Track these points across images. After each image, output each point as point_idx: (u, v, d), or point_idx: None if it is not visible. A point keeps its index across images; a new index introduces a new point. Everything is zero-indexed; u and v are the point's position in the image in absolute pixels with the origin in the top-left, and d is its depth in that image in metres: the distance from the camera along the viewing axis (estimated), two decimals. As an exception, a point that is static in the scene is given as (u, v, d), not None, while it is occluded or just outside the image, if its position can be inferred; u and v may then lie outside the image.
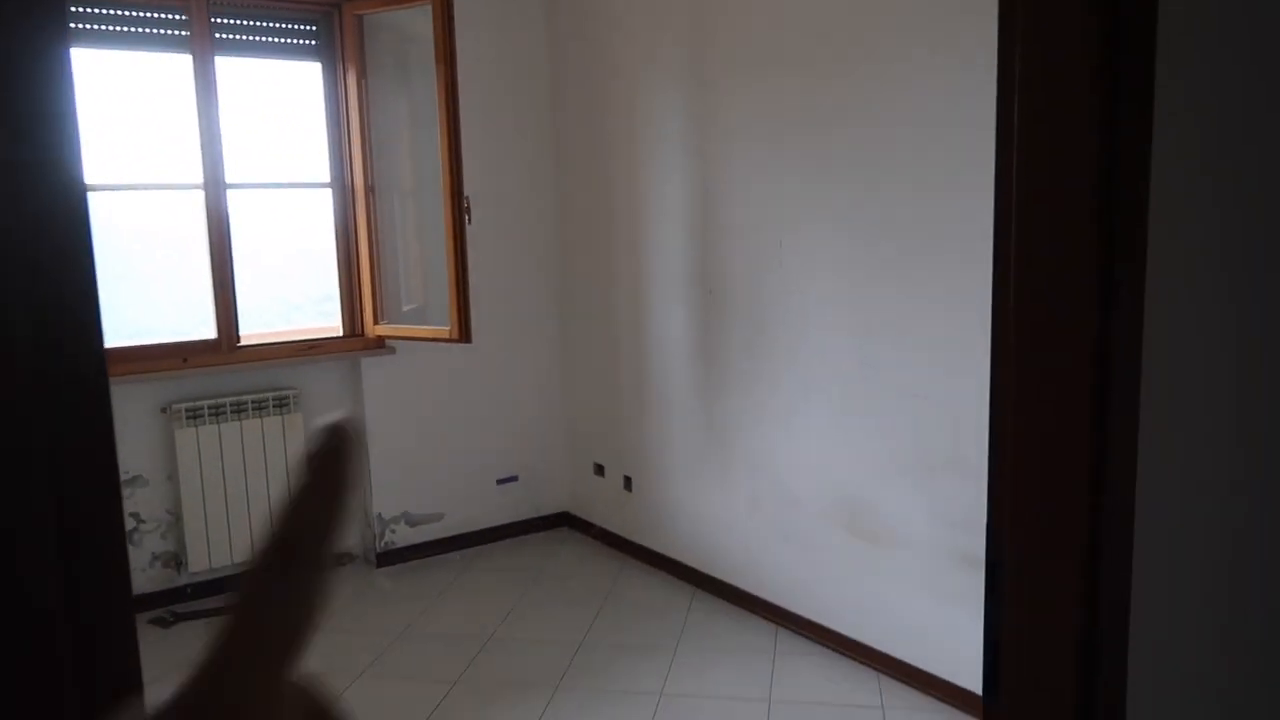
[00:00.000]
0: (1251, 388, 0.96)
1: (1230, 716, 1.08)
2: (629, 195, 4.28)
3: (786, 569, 3.64)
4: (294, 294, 4.77)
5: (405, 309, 4.65)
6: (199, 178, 3.96)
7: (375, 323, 4.36)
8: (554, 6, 4.63)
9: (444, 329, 4.04)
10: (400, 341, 4.38)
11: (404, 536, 4.45)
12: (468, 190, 4.01)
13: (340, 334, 4.39)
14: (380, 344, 4.38)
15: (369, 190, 4.35)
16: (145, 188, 4.12)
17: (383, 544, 4.39)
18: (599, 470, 4.68)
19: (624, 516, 4.52)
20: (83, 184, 0.81)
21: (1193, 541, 0.99)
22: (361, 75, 4.29)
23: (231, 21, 4.09)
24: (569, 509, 4.92)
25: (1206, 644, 1.00)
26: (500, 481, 4.72)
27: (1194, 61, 0.86)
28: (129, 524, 3.83)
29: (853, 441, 3.31)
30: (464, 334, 3.95)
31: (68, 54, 0.78)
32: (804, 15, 3.35)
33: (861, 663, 3.32)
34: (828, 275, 3.36)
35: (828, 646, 3.45)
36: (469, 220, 4.04)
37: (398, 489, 4.41)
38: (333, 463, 0.30)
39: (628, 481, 4.47)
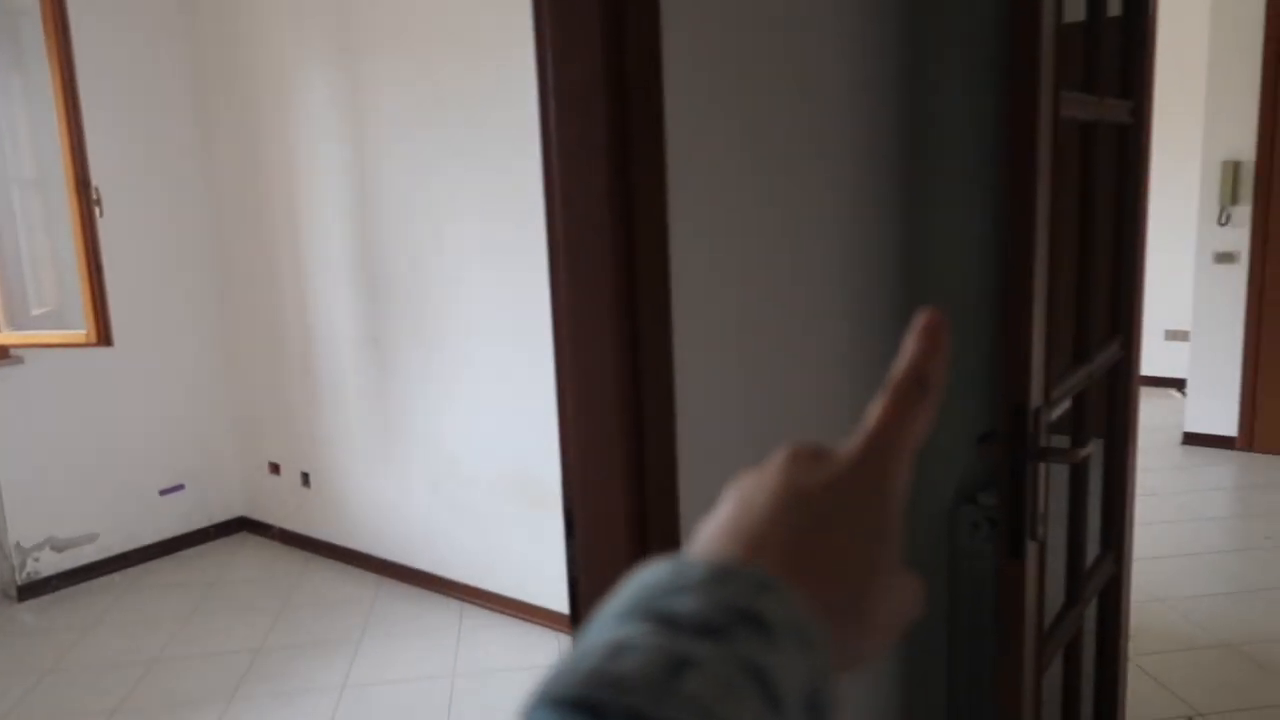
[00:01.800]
0: (751, 334, 1.15)
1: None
2: (286, 184, 4.13)
3: (467, 546, 3.72)
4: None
5: (35, 313, 4.18)
6: None
7: (-5, 330, 3.89)
8: (186, -19, 4.33)
9: (80, 333, 3.68)
10: (31, 350, 3.94)
11: (50, 564, 4.03)
12: (97, 179, 3.67)
13: (-52, 345, 3.88)
14: (4, 354, 3.92)
15: (-31, 182, 3.86)
16: None
17: (24, 575, 3.95)
18: (274, 469, 4.49)
19: (304, 514, 4.39)
20: None
21: (719, 489, 1.18)
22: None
23: None
24: (244, 513, 4.68)
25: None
26: (164, 492, 4.40)
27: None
28: None
29: (519, 417, 3.44)
30: (103, 337, 3.63)
31: None
32: (449, 8, 3.39)
33: (543, 625, 3.48)
34: (486, 259, 3.45)
35: (511, 615, 3.58)
36: (100, 213, 3.71)
37: (39, 513, 3.99)
38: (939, 334, 0.42)
39: (305, 477, 4.34)
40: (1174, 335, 6.70)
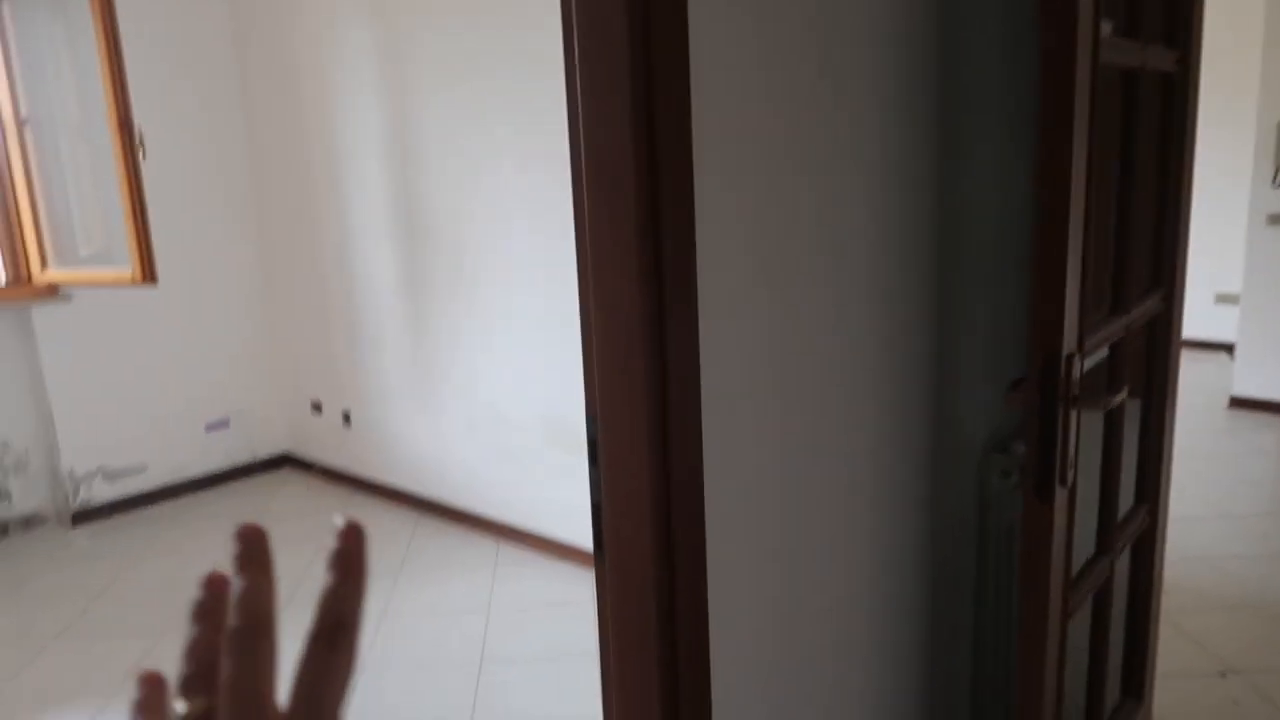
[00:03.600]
0: (778, 297, 1.16)
1: (779, 537, 1.31)
2: (325, 129, 4.16)
3: (503, 485, 3.79)
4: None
5: (84, 253, 4.28)
6: None
7: (44, 269, 3.99)
8: (232, -79, 4.34)
9: (125, 272, 3.77)
10: (80, 289, 4.04)
11: (102, 493, 4.18)
12: (139, 121, 3.73)
13: (-1, 283, 3.99)
14: (53, 292, 4.03)
15: (20, 123, 3.94)
16: None
17: (78, 502, 4.10)
18: (316, 408, 4.59)
19: (345, 451, 4.49)
20: None
21: (742, 424, 1.19)
22: (2, -6, 3.84)
23: None
24: (288, 450, 4.80)
25: (762, 500, 1.21)
26: (210, 428, 4.52)
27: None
28: None
29: (554, 362, 3.48)
30: (147, 275, 3.71)
31: None
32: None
33: (576, 564, 3.54)
34: (523, 209, 3.46)
35: (545, 554, 3.65)
36: (143, 155, 3.77)
37: (90, 443, 4.12)
38: (354, 558, 0.37)
39: (346, 417, 4.43)
40: (1224, 299, 6.55)
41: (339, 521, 0.38)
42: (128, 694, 0.37)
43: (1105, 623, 1.99)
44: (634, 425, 1.16)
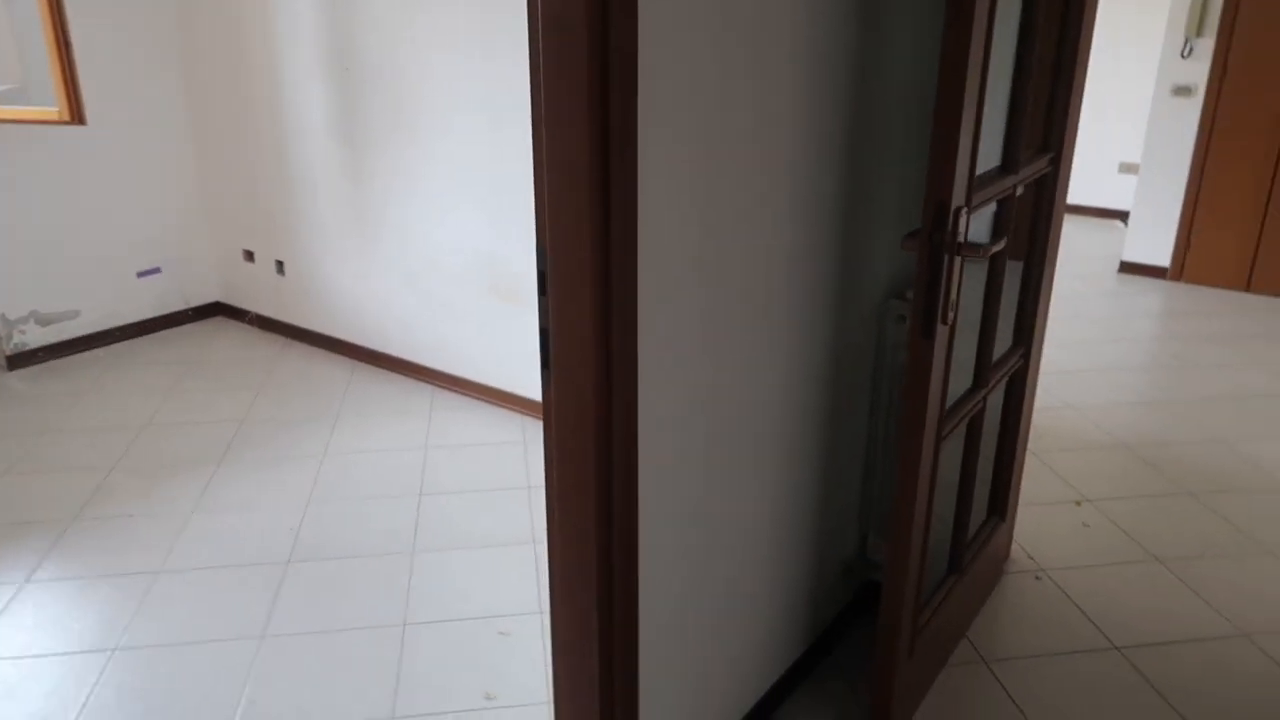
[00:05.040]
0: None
1: (702, 355, 1.52)
2: (252, -36, 4.05)
3: (438, 334, 3.95)
4: None
5: (1, 88, 4.17)
6: None
7: (-38, 104, 3.89)
8: None
9: (51, 110, 3.71)
10: (2, 127, 3.95)
11: (36, 337, 4.21)
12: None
13: (-85, 118, 3.87)
14: (-28, 129, 3.94)
15: (-70, -54, 3.75)
16: None
17: (11, 345, 4.13)
18: (249, 256, 4.63)
19: (279, 300, 4.57)
20: None
21: (673, 259, 1.37)
22: None
23: None
24: (220, 299, 4.85)
25: (689, 324, 1.40)
26: (141, 274, 4.53)
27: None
28: None
29: (489, 210, 3.59)
30: (75, 114, 3.67)
31: None
32: None
33: (508, 408, 3.77)
34: (459, 51, 3.49)
35: (479, 398, 3.86)
36: (65, -14, 3.66)
37: (22, 288, 4.12)
38: None
39: (280, 265, 4.49)
40: (1128, 168, 6.89)
41: None
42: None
43: (975, 449, 2.29)
44: (580, 258, 1.33)
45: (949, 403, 1.99)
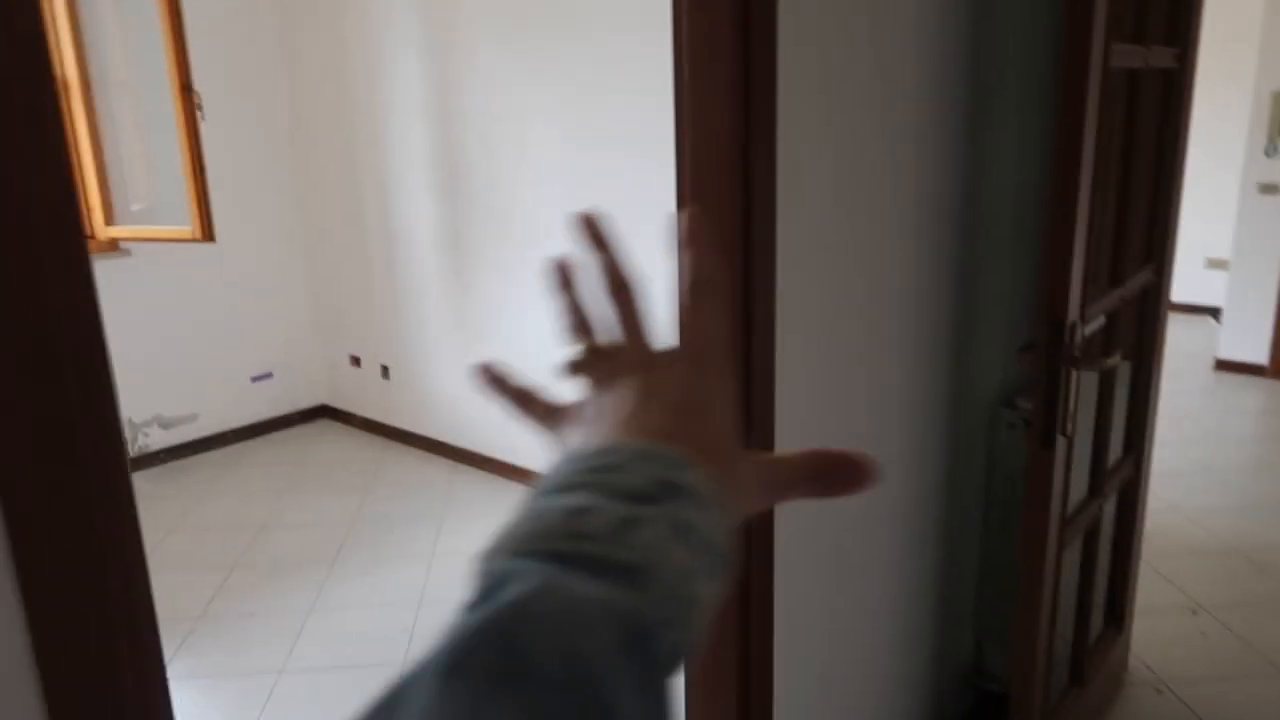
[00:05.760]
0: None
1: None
2: (368, 90, 4.36)
3: (538, 438, 4.05)
4: None
5: (134, 209, 4.50)
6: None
7: (106, 225, 4.22)
8: (275, -108, 4.51)
9: (185, 229, 4.00)
10: (137, 244, 4.27)
11: (159, 439, 4.45)
12: (196, 85, 3.94)
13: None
14: (114, 247, 4.26)
15: (85, 85, 4.14)
16: None
17: (136, 448, 4.37)
18: (355, 361, 4.85)
19: (384, 404, 4.76)
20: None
21: (804, 378, 1.46)
22: (65, -40, 4.03)
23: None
24: (327, 401, 5.07)
25: (819, 437, 1.48)
26: (255, 379, 4.78)
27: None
28: None
29: (591, 320, 3.73)
30: (207, 233, 3.95)
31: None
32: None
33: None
34: (561, 171, 3.69)
35: (577, 500, 3.94)
36: (201, 116, 3.98)
37: (147, 392, 4.38)
38: (696, 232, 0.46)
39: (385, 370, 4.69)
40: (1215, 264, 6.81)
41: (676, 218, 0.46)
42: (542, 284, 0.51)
43: (1093, 558, 2.29)
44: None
45: (1068, 511, 2.01)
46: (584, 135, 3.59)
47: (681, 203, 1.42)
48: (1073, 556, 2.20)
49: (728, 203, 1.36)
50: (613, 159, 3.51)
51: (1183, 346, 6.25)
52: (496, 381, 0.51)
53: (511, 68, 3.78)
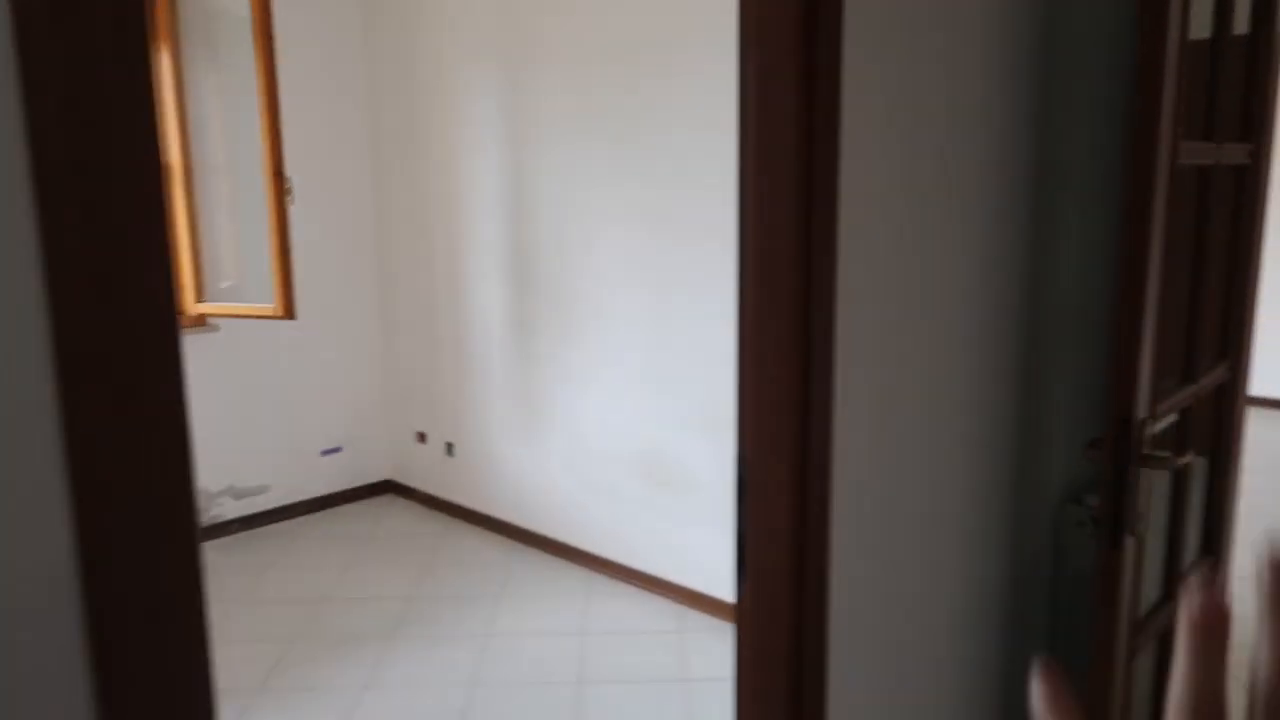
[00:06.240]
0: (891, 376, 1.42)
1: (888, 569, 1.57)
2: (446, 181, 4.54)
3: (597, 519, 4.07)
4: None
5: (222, 286, 4.71)
6: None
7: (196, 301, 4.42)
8: (367, -7, 4.79)
9: (268, 306, 4.17)
10: (224, 320, 4.46)
11: (231, 510, 4.57)
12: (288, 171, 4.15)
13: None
14: (202, 322, 4.45)
15: (187, 170, 4.39)
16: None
17: (209, 518, 4.49)
18: (421, 438, 4.94)
19: (446, 480, 4.82)
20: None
21: (864, 472, 1.46)
22: (175, 52, 4.32)
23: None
24: (392, 476, 5.16)
25: (871, 536, 1.47)
26: (325, 453, 4.89)
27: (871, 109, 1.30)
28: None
29: (650, 403, 3.77)
30: (289, 311, 4.11)
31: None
32: (618, 20, 3.73)
33: (663, 595, 3.80)
34: (630, 264, 3.77)
35: (636, 585, 3.91)
36: (291, 200, 4.19)
37: (222, 463, 4.51)
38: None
39: (449, 447, 4.76)
40: (1304, 360, 6.58)
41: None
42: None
43: (1168, 665, 2.18)
44: (779, 472, 1.43)
45: (1140, 615, 1.94)
46: (652, 231, 3.67)
47: (743, 295, 1.45)
48: (1147, 663, 2.11)
49: (786, 305, 1.38)
50: (676, 249, 3.58)
51: (1268, 440, 6.02)
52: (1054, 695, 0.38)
53: (583, 162, 3.90)
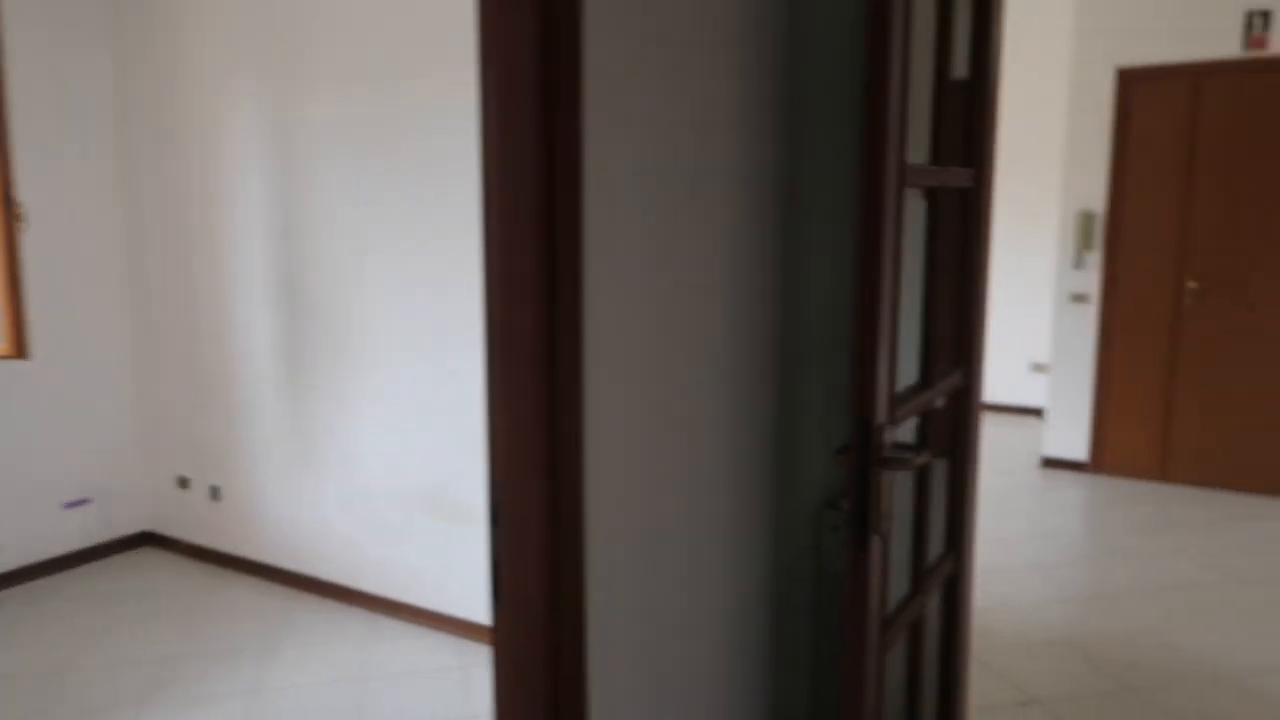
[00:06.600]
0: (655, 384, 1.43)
1: (645, 584, 1.57)
2: (204, 202, 4.25)
3: (376, 558, 3.89)
4: None
5: (-61, 326, 4.19)
6: None
7: (-98, 342, 3.91)
8: (118, 8, 4.43)
9: (-7, 346, 3.74)
10: (-65, 362, 3.96)
11: (-48, 576, 4.04)
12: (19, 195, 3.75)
13: None
14: (-90, 365, 3.93)
15: (-114, 195, 3.89)
16: None
17: (-76, 587, 3.95)
18: (182, 483, 4.57)
19: (213, 528, 4.48)
20: None
21: (621, 488, 1.45)
22: None
23: None
24: (150, 527, 4.74)
25: (631, 553, 1.46)
26: (69, 505, 4.43)
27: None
28: None
29: (429, 434, 3.66)
30: (19, 350, 3.70)
31: None
32: (380, 35, 3.62)
33: (451, 632, 3.68)
34: (403, 286, 3.66)
35: (421, 624, 3.77)
36: (22, 228, 3.79)
37: (-60, 525, 4.00)
38: None
39: (215, 491, 4.43)
40: (1039, 368, 7.30)
41: None
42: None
43: (919, 656, 2.32)
44: (532, 494, 1.40)
45: (889, 610, 2.04)
46: (429, 249, 3.58)
47: (491, 316, 1.42)
48: (899, 657, 2.23)
49: (531, 316, 1.36)
50: (452, 269, 3.51)
51: (1012, 446, 6.62)
52: None
53: (351, 179, 3.76)
